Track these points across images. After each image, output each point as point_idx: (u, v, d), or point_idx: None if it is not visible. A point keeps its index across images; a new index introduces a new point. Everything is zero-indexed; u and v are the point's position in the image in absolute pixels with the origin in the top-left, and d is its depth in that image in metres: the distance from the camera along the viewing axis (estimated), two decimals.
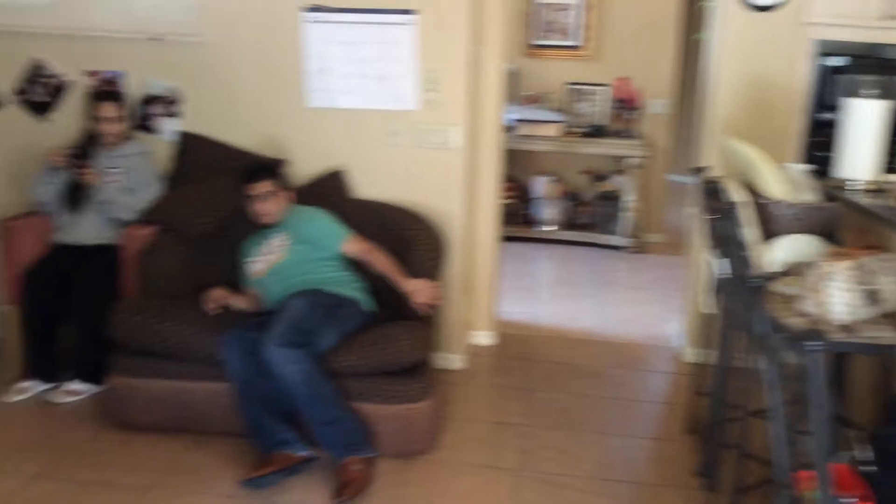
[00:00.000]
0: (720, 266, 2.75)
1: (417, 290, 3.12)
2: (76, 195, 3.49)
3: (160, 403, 3.11)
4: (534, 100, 6.30)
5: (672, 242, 6.24)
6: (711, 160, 3.66)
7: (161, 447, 3.05)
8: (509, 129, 5.69)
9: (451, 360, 3.84)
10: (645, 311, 4.82)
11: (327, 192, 3.59)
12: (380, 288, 3.23)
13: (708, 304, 3.28)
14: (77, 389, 3.38)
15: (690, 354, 3.98)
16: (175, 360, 3.06)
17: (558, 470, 3.01)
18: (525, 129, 5.91)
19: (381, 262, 3.17)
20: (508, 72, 4.05)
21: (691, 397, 3.39)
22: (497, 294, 4.28)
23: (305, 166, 3.66)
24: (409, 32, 3.50)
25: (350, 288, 3.17)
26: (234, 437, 3.06)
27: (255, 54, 3.63)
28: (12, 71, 3.77)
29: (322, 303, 3.01)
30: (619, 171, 6.10)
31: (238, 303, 3.23)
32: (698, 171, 3.04)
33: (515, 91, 6.10)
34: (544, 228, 6.21)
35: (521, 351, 4.15)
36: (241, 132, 3.69)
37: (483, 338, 4.19)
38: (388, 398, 2.98)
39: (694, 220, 3.92)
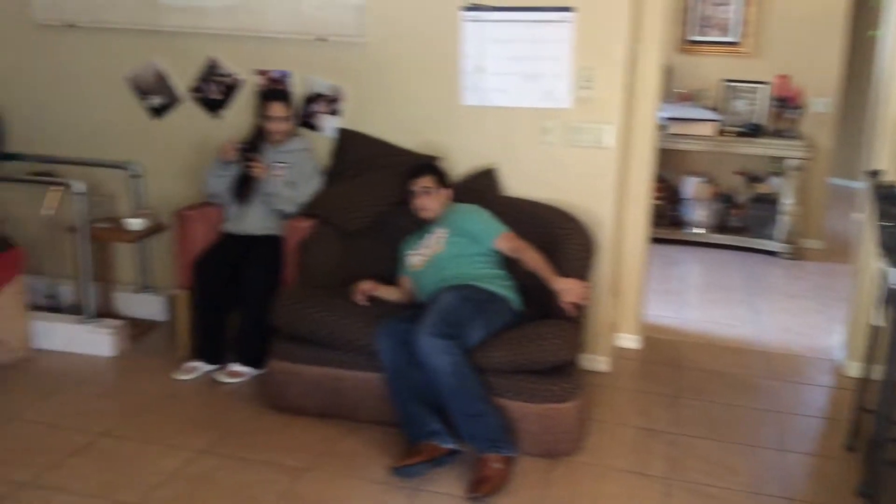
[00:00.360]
0: (892, 276, 2.58)
1: (567, 289, 3.11)
2: (244, 187, 3.70)
3: (316, 389, 3.25)
4: (687, 97, 6.12)
5: (832, 249, 5.91)
6: (885, 163, 3.44)
7: (316, 431, 3.19)
8: (661, 127, 5.55)
9: (597, 361, 3.80)
10: (803, 320, 4.59)
11: (480, 189, 3.63)
12: (528, 287, 3.24)
13: (876, 316, 3.09)
14: (240, 371, 3.58)
15: (853, 368, 3.76)
16: (330, 348, 3.19)
17: (709, 481, 2.92)
18: (677, 128, 5.74)
19: (533, 259, 3.18)
20: (662, 68, 3.94)
21: (854, 413, 3.21)
22: (644, 296, 4.20)
23: (459, 164, 3.72)
24: (566, 30, 3.49)
25: (501, 285, 3.20)
26: (384, 426, 3.15)
27: (414, 54, 3.72)
28: (191, 70, 4.03)
29: (474, 297, 3.06)
30: (777, 173, 5.82)
31: (386, 294, 3.33)
32: (873, 174, 2.87)
33: (668, 88, 5.94)
34: (694, 231, 6.02)
35: (668, 356, 4.05)
36: (397, 129, 3.79)
37: (629, 341, 4.12)
38: (534, 396, 2.99)
39: (863, 226, 3.70)
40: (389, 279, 3.42)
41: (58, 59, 4.19)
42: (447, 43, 3.65)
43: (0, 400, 3.39)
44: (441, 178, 3.42)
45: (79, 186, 3.75)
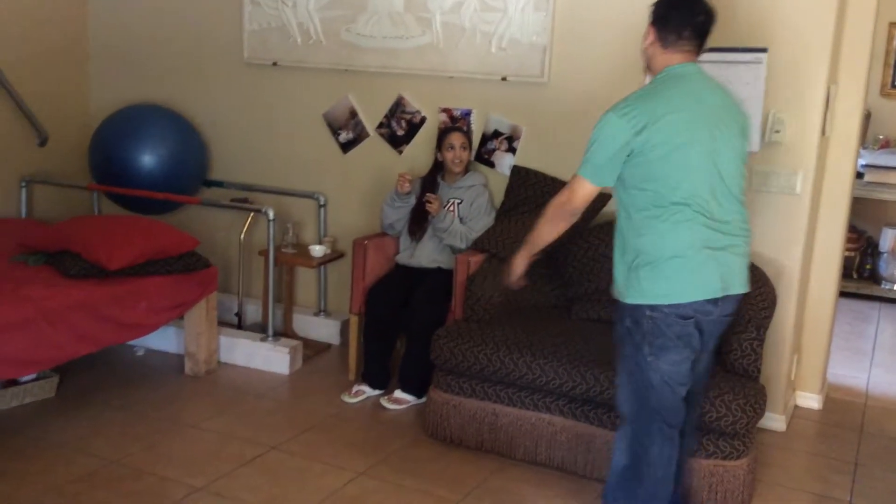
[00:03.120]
0: None
1: None
2: (418, 222, 3.82)
3: (473, 422, 3.27)
4: (888, 144, 5.68)
5: None
6: None
7: (471, 464, 3.20)
8: (858, 174, 5.19)
9: (773, 419, 3.57)
10: None
11: None
12: None
13: None
14: (402, 399, 3.67)
15: None
16: (488, 382, 3.21)
17: None
18: (875, 176, 5.35)
19: None
20: (862, 113, 3.69)
21: None
22: (829, 354, 3.91)
23: None
24: (759, 71, 3.35)
25: None
26: (538, 466, 3.12)
27: (595, 94, 3.68)
28: (379, 107, 4.24)
29: None
30: None
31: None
32: None
33: (868, 134, 5.55)
34: (893, 287, 5.55)
35: (851, 419, 3.74)
36: (569, 168, 3.77)
37: (809, 400, 3.85)
38: (702, 451, 2.85)
39: None
40: (556, 316, 3.39)
41: (261, 95, 4.54)
42: (631, 84, 3.60)
43: (185, 408, 3.66)
44: None
45: (270, 213, 4.01)
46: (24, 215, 4.59)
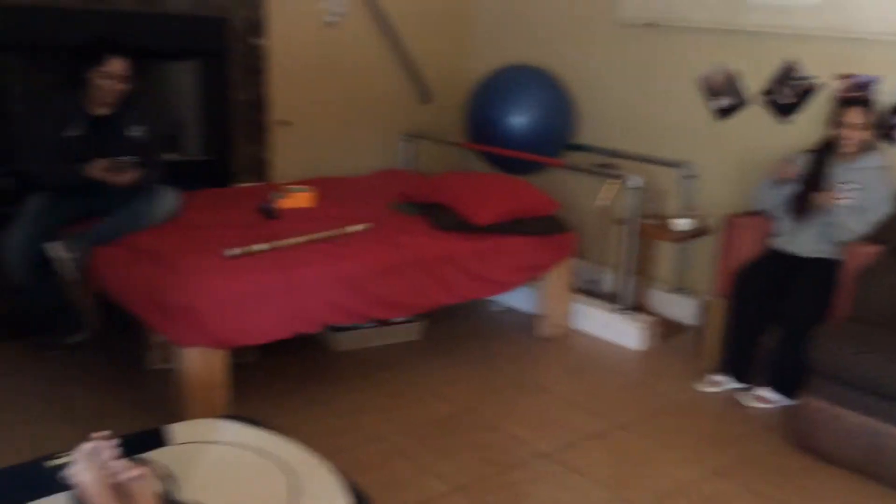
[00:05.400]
0: None
1: None
2: (802, 205, 3.38)
3: (852, 438, 2.84)
4: None
5: None
6: None
7: (843, 486, 2.80)
8: None
9: None
10: None
11: None
12: None
13: None
14: (768, 398, 3.33)
15: None
16: (876, 396, 2.76)
17: None
18: None
19: None
20: None
21: None
22: None
23: None
24: None
25: None
26: None
27: None
28: (764, 71, 3.84)
29: None
30: None
31: None
32: None
33: None
34: None
35: None
36: None
37: None
38: None
39: None
40: None
41: (635, 57, 4.36)
42: None
43: (535, 368, 3.68)
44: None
45: (635, 181, 3.85)
46: (406, 167, 4.93)
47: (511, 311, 4.29)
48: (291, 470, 1.92)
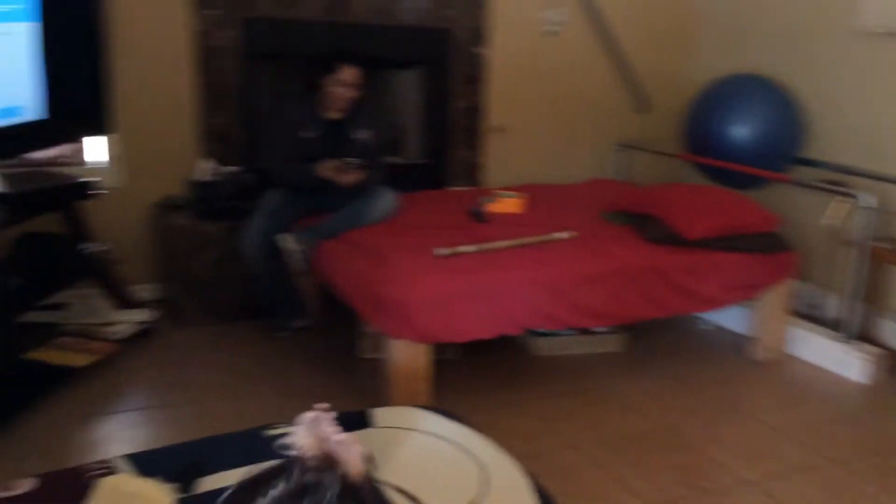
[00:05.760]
0: None
1: None
2: None
3: None
4: None
5: None
6: None
7: None
8: None
9: None
10: None
11: None
12: None
13: None
14: None
15: None
16: None
17: None
18: None
19: None
20: None
21: None
22: None
23: None
24: None
25: None
26: None
27: None
28: None
29: None
30: None
31: None
32: None
33: None
34: None
35: None
36: None
37: None
38: None
39: None
40: None
41: (874, 67, 4.03)
42: None
43: (744, 392, 3.51)
44: None
45: (867, 200, 3.56)
46: (618, 177, 4.88)
47: (721, 330, 4.11)
48: (483, 465, 1.98)
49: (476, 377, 3.49)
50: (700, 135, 4.49)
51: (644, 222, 3.61)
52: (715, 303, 3.57)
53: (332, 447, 1.46)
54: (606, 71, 4.92)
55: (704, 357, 3.82)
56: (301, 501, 1.06)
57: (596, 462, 2.87)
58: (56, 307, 3.61)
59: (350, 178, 3.59)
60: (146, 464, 1.84)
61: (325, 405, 1.59)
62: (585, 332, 3.75)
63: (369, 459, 1.89)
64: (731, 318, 4.04)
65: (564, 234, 3.44)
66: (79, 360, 3.27)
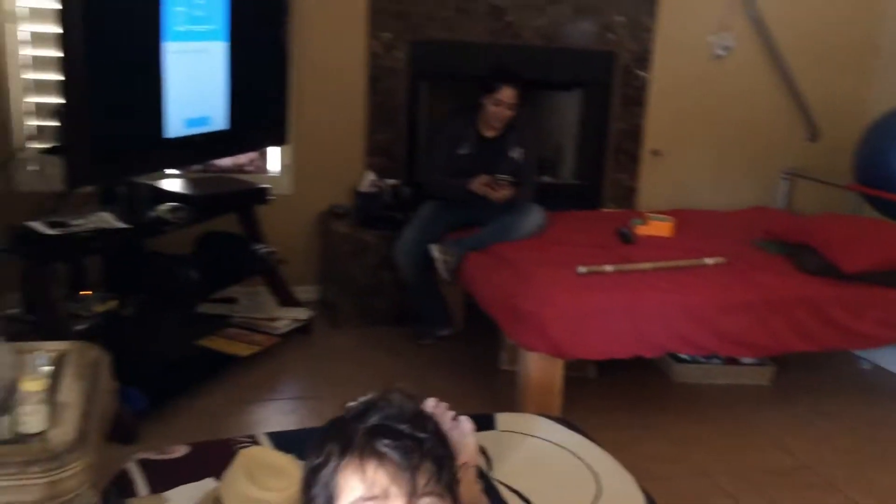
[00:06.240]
0: None
1: None
2: None
3: None
4: None
5: None
6: None
7: None
8: None
9: None
10: None
11: None
12: None
13: None
14: None
15: None
16: None
17: None
18: None
19: None
20: None
21: None
22: None
23: None
24: None
25: None
26: None
27: None
28: None
29: None
30: None
31: None
32: None
33: None
34: None
35: None
36: None
37: None
38: None
39: None
40: None
41: None
42: None
43: None
44: None
45: None
46: (781, 206, 4.71)
47: (879, 370, 3.87)
48: (598, 475, 2.02)
49: (612, 396, 3.49)
50: (875, 166, 4.25)
51: (799, 252, 3.49)
52: (871, 340, 3.38)
53: (448, 429, 1.55)
54: (774, 97, 4.77)
55: (859, 397, 3.62)
56: (402, 426, 1.16)
57: (724, 492, 2.81)
58: (227, 301, 3.96)
59: (501, 193, 3.71)
60: (284, 441, 2.04)
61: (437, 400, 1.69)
62: (732, 361, 3.66)
63: (483, 452, 1.99)
64: (890, 358, 3.80)
65: (711, 260, 3.39)
66: (242, 349, 3.58)
